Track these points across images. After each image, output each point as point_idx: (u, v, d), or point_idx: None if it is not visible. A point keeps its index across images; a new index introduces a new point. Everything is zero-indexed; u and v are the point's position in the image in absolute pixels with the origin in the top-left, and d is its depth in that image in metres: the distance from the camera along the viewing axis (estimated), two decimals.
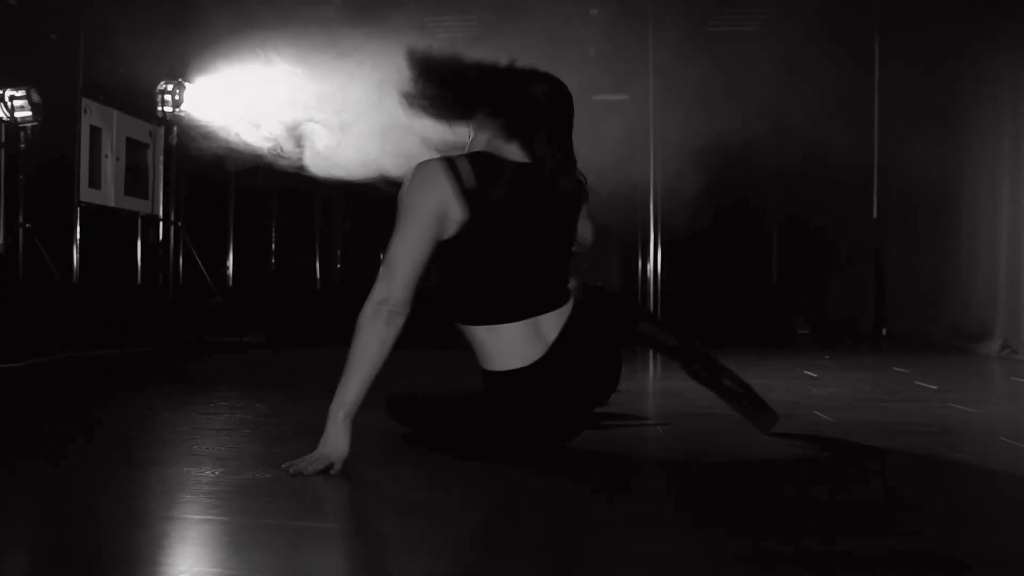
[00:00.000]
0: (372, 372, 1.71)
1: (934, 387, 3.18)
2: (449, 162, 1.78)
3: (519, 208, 1.81)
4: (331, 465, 1.67)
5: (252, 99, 4.80)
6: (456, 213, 1.76)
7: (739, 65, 5.42)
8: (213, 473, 1.70)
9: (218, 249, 5.70)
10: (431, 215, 1.75)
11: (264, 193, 5.78)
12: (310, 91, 4.67)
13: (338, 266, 6.08)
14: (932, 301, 5.40)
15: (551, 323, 1.81)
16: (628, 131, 5.96)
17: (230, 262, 5.76)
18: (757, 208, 6.31)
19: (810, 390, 3.11)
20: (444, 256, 1.81)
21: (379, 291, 1.74)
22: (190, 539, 1.33)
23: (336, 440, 1.69)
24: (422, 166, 1.79)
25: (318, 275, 6.16)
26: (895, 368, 3.88)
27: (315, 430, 1.75)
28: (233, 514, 1.45)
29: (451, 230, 1.77)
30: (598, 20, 6.26)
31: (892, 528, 1.40)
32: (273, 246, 6.03)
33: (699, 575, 1.19)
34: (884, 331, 5.88)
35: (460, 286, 1.84)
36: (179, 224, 5.22)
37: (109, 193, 5.22)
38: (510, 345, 1.80)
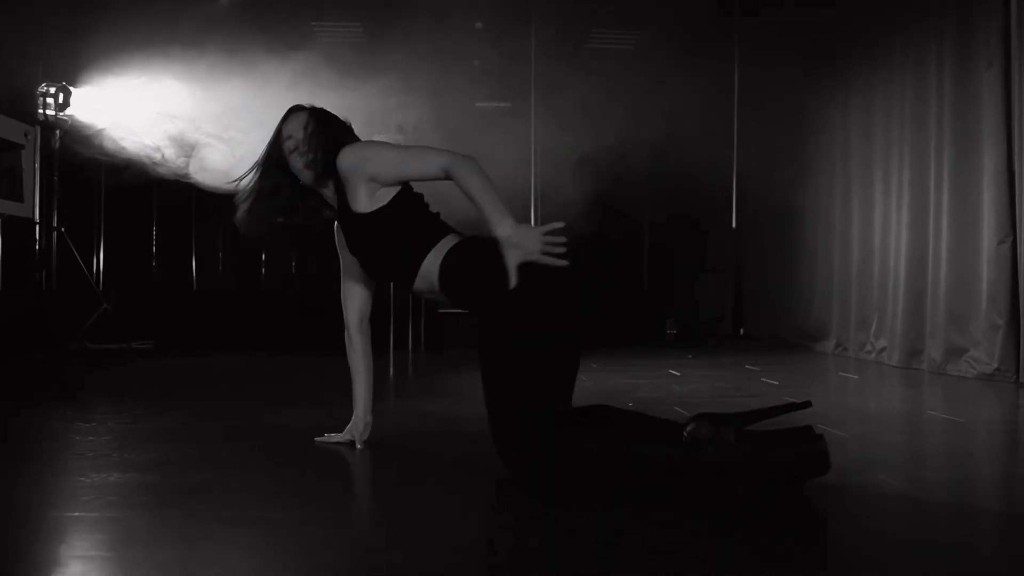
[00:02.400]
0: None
1: (776, 383, 3.70)
2: None
3: None
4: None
5: (138, 108, 4.78)
6: None
7: (615, 82, 5.69)
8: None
9: (98, 253, 5.59)
10: None
11: (144, 191, 5.64)
12: (197, 104, 4.71)
13: (219, 268, 6.04)
14: (781, 306, 6.06)
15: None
16: (511, 137, 6.21)
17: (106, 266, 5.65)
18: (631, 217, 6.76)
19: (673, 388, 3.54)
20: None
21: None
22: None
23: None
24: None
25: (194, 277, 6.11)
26: (747, 366, 4.42)
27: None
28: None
29: None
30: (483, 34, 6.54)
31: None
32: (154, 249, 5.93)
33: None
34: (742, 331, 6.52)
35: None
36: (62, 229, 5.11)
37: None
38: None
